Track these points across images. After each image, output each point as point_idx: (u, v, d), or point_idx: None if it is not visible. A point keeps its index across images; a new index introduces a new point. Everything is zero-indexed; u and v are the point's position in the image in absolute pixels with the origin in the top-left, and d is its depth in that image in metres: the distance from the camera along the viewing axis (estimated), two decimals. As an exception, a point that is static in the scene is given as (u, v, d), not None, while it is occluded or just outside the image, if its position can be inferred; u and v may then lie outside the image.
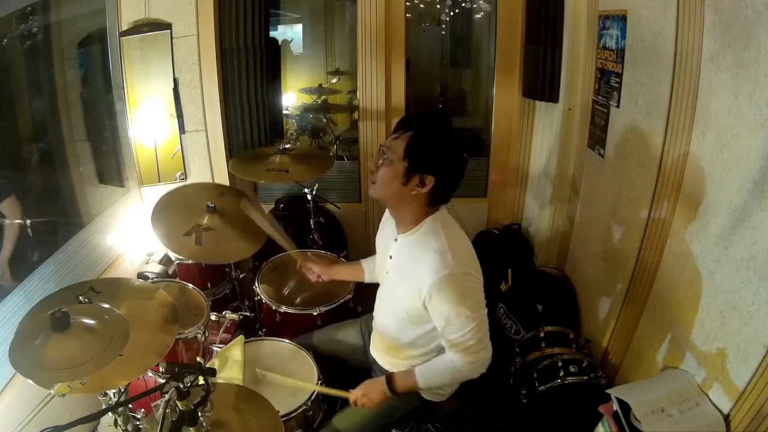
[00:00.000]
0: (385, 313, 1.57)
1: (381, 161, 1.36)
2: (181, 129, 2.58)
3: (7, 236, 1.81)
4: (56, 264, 1.98)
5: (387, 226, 1.56)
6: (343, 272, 1.86)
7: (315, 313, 1.91)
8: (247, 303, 2.37)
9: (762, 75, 1.26)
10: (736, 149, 1.37)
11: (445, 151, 1.34)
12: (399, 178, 1.33)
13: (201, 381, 1.13)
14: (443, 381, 1.48)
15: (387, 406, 1.54)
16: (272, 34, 2.83)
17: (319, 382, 1.60)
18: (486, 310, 1.39)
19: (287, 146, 2.29)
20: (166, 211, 1.99)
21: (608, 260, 2.08)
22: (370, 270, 1.78)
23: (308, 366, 1.67)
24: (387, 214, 1.58)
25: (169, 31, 2.42)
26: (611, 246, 2.06)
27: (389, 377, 1.48)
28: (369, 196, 1.46)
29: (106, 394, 1.41)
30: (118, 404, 1.40)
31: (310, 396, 1.55)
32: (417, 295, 1.35)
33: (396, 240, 1.47)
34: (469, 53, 3.25)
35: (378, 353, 1.64)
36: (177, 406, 1.09)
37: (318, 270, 1.83)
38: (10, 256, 1.80)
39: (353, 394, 1.48)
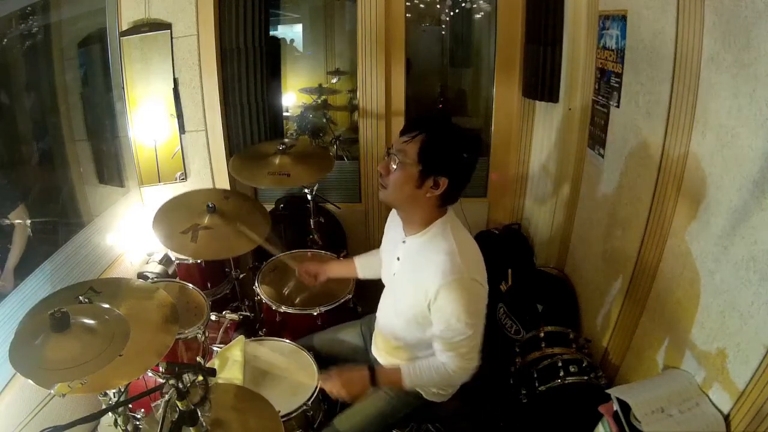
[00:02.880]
0: (390, 314, 1.56)
1: (393, 165, 1.35)
2: (181, 129, 2.58)
3: (15, 244, 1.82)
4: (56, 264, 1.98)
5: (393, 227, 1.56)
6: (336, 269, 1.88)
7: (315, 313, 1.91)
8: (247, 303, 2.37)
9: (762, 75, 1.26)
10: (736, 149, 1.36)
11: (458, 152, 1.34)
12: (413, 181, 1.33)
13: (200, 380, 1.12)
14: (429, 382, 1.48)
15: (388, 406, 1.54)
16: (272, 34, 2.83)
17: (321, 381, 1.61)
18: (484, 322, 1.39)
19: (286, 141, 2.27)
20: (167, 212, 2.00)
21: (608, 260, 2.08)
22: (362, 265, 1.80)
23: (308, 366, 1.68)
24: (392, 215, 1.57)
25: (169, 31, 2.42)
26: (611, 246, 2.06)
27: (372, 371, 1.46)
28: (380, 200, 1.45)
29: (106, 394, 1.41)
30: (118, 404, 1.40)
31: (311, 396, 1.55)
32: (423, 297, 1.35)
33: (404, 242, 1.46)
34: (469, 53, 3.25)
35: (380, 354, 1.64)
36: (177, 406, 1.09)
37: (313, 269, 1.84)
38: (17, 264, 1.80)
39: (330, 385, 1.46)
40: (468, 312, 1.31)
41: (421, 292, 1.35)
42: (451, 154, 1.33)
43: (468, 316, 1.31)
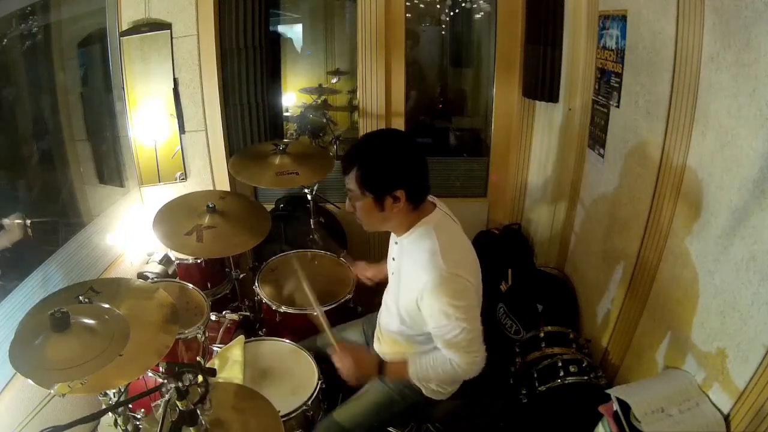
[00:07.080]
0: (390, 311, 1.58)
1: (353, 203, 1.39)
2: (181, 129, 2.58)
3: (2, 237, 1.81)
4: (56, 264, 1.98)
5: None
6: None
7: (315, 313, 1.90)
8: (247, 303, 2.37)
9: (762, 75, 1.26)
10: (736, 149, 1.36)
11: (396, 165, 1.35)
12: (374, 209, 1.36)
13: (200, 380, 1.13)
14: (436, 377, 1.47)
15: (386, 399, 1.56)
16: (272, 34, 2.83)
17: (320, 381, 1.61)
18: (478, 313, 1.39)
19: (279, 142, 2.26)
20: (167, 213, 2.01)
21: (608, 260, 2.08)
22: None
23: (309, 365, 1.68)
24: None
25: (169, 31, 2.42)
26: (611, 246, 2.06)
27: (382, 364, 1.49)
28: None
29: (106, 394, 1.41)
30: (118, 404, 1.40)
31: (311, 396, 1.56)
32: (412, 295, 1.37)
33: (396, 243, 1.51)
34: (469, 53, 3.25)
35: (382, 351, 1.64)
36: (177, 406, 1.09)
37: (371, 273, 1.86)
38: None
39: (341, 359, 1.49)
40: (455, 306, 1.31)
41: (411, 290, 1.38)
42: (388, 170, 1.34)
43: (456, 311, 1.31)
